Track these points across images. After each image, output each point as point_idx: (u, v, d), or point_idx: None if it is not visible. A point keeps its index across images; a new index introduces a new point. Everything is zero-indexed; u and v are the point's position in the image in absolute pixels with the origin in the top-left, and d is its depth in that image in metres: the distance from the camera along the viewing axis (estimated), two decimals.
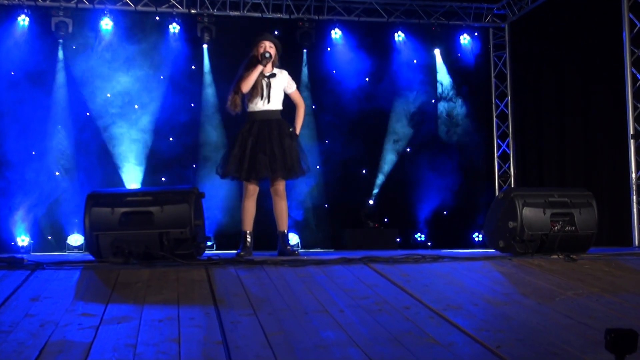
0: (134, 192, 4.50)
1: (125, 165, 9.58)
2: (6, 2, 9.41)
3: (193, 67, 10.16)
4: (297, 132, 5.45)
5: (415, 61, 10.76)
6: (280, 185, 5.35)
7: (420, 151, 10.65)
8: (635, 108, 8.18)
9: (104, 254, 4.24)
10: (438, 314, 2.96)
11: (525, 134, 10.83)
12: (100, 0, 9.75)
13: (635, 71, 8.14)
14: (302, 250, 8.52)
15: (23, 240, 9.03)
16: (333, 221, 10.31)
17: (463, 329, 2.75)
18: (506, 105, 11.11)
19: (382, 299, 3.18)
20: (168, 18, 10.01)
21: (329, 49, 10.53)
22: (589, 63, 9.09)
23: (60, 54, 9.65)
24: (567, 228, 4.84)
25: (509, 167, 11.11)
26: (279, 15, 10.32)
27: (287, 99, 5.55)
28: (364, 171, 10.64)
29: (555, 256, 4.52)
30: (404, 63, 10.67)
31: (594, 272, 3.99)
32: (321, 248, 9.78)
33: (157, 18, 10.06)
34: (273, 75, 5.38)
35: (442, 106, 10.85)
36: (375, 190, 10.57)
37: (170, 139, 9.75)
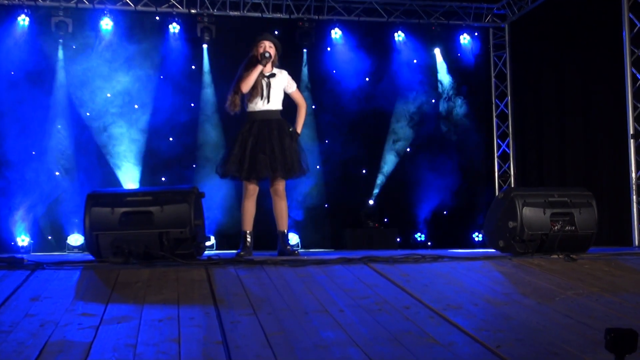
0: (133, 192, 4.50)
1: (125, 165, 9.58)
2: (6, 2, 9.41)
3: (193, 67, 10.16)
4: (299, 131, 5.45)
5: (415, 61, 10.76)
6: (280, 185, 5.35)
7: (420, 151, 10.65)
8: (635, 108, 8.18)
9: (104, 253, 4.24)
10: (438, 314, 2.96)
11: (525, 133, 10.83)
12: (100, 0, 9.75)
13: (635, 71, 8.14)
14: (302, 250, 8.52)
15: (23, 240, 9.03)
16: (333, 221, 10.31)
17: (463, 329, 2.75)
18: (506, 105, 11.11)
19: (382, 299, 3.18)
20: (168, 18, 10.01)
21: (328, 48, 10.53)
22: (589, 63, 9.08)
23: (60, 53, 9.64)
24: (567, 228, 4.84)
25: (509, 167, 11.11)
26: (278, 15, 10.32)
27: (287, 99, 5.55)
28: (364, 171, 10.64)
29: (555, 256, 4.52)
30: (404, 63, 10.67)
31: (594, 272, 3.99)
32: (321, 248, 9.78)
33: (157, 18, 10.06)
34: (273, 75, 5.38)
35: (442, 106, 10.85)
36: (376, 190, 10.57)
37: (170, 138, 9.75)
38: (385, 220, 10.51)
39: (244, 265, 3.86)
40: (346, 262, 4.00)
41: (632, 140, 8.15)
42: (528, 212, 4.77)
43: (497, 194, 9.28)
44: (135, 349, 2.42)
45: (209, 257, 4.20)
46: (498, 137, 11.29)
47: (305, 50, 10.49)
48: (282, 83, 5.44)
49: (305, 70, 10.49)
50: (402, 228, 10.35)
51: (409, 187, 10.51)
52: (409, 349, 2.48)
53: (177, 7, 10.02)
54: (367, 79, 10.46)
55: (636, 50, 8.12)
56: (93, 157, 9.49)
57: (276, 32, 9.91)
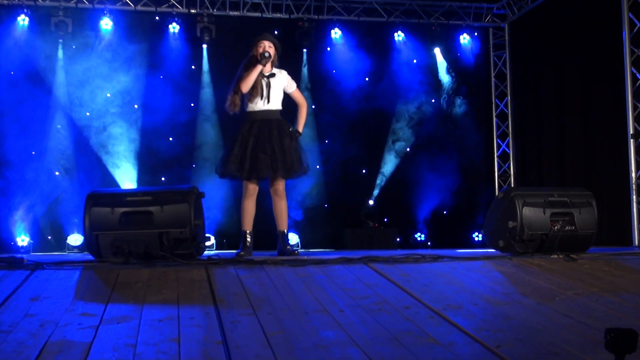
0: (133, 192, 4.49)
1: (125, 164, 9.58)
2: (6, 2, 9.41)
3: (193, 67, 10.17)
4: (300, 130, 5.46)
5: (415, 61, 10.76)
6: (280, 185, 5.35)
7: (420, 151, 10.66)
8: (635, 108, 8.18)
9: (103, 253, 4.23)
10: (438, 314, 2.96)
11: (525, 133, 10.83)
12: (100, 0, 9.75)
13: (635, 71, 8.14)
14: (302, 250, 8.52)
15: (23, 240, 9.03)
16: (333, 221, 10.31)
17: (463, 329, 2.75)
18: (506, 105, 11.11)
19: (382, 299, 3.18)
20: (168, 18, 10.01)
21: (328, 48, 10.54)
22: (588, 63, 9.09)
23: (60, 53, 9.65)
24: (567, 228, 4.83)
25: (508, 167, 11.11)
26: (278, 15, 10.32)
27: (287, 99, 5.55)
28: (364, 171, 10.64)
29: (555, 256, 4.52)
30: (404, 63, 10.68)
31: (594, 272, 3.99)
32: (321, 248, 9.78)
33: (157, 18, 10.06)
34: (272, 75, 5.38)
35: (442, 106, 10.85)
36: (375, 190, 10.58)
37: (170, 138, 9.75)
38: (385, 220, 10.51)
39: (244, 265, 3.86)
40: (346, 262, 4.00)
41: (632, 140, 8.15)
42: (528, 212, 4.77)
43: (497, 193, 9.28)
44: (135, 348, 2.42)
45: (209, 257, 4.20)
46: (498, 137, 11.29)
47: (305, 50, 10.49)
48: (281, 83, 5.43)
49: (305, 70, 10.49)
50: (402, 228, 10.36)
51: (409, 187, 10.52)
52: (409, 349, 2.48)
53: (177, 7, 10.02)
54: (367, 79, 10.46)
55: (636, 50, 8.12)
56: (93, 157, 9.50)
57: (276, 32, 9.92)
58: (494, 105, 11.30)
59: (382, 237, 9.86)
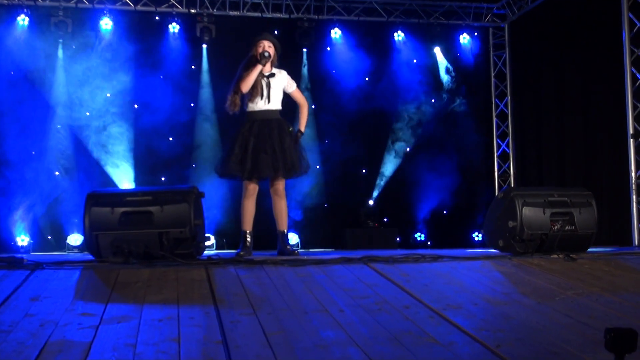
0: (133, 192, 4.49)
1: (125, 164, 9.58)
2: (6, 2, 9.41)
3: (193, 66, 10.17)
4: (302, 129, 5.46)
5: (415, 61, 10.76)
6: (280, 185, 5.35)
7: (419, 151, 10.66)
8: (635, 107, 8.18)
9: (103, 253, 4.23)
10: (438, 314, 2.96)
11: (525, 133, 10.83)
12: (99, 0, 9.75)
13: (634, 70, 8.13)
14: (301, 250, 8.52)
15: (23, 240, 9.03)
16: (333, 221, 10.30)
17: (463, 329, 2.75)
18: (506, 105, 11.11)
19: (381, 299, 3.18)
20: (168, 18, 10.01)
21: (328, 48, 10.53)
22: (588, 62, 9.09)
23: (60, 53, 9.65)
24: (566, 227, 4.84)
25: (508, 167, 11.11)
26: (278, 15, 10.32)
27: (286, 99, 5.55)
28: (363, 171, 10.64)
29: (555, 256, 4.52)
30: (404, 63, 10.68)
31: (594, 272, 3.99)
32: (321, 248, 9.78)
33: (157, 18, 10.06)
34: (272, 75, 5.38)
35: (441, 106, 10.85)
36: (375, 190, 10.58)
37: (170, 138, 9.76)
38: (385, 220, 10.51)
39: (244, 265, 3.86)
40: (346, 261, 4.00)
41: (631, 140, 8.15)
42: (528, 212, 4.77)
43: (496, 193, 9.29)
44: (135, 348, 2.42)
45: (209, 257, 4.20)
46: (498, 136, 11.29)
47: (305, 50, 10.49)
48: (281, 83, 5.43)
49: (305, 70, 10.49)
50: (402, 228, 10.36)
51: (408, 187, 10.52)
52: (409, 349, 2.48)
53: (177, 7, 10.02)
54: (366, 79, 10.46)
55: (636, 50, 8.11)
56: (93, 156, 9.50)
57: (276, 32, 9.92)
58: (493, 105, 11.30)
59: (382, 237, 9.85)
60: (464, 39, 10.93)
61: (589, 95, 9.19)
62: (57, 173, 9.41)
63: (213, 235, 9.34)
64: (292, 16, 10.32)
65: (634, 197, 8.07)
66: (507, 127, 11.11)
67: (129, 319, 2.76)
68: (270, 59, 5.33)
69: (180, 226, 4.20)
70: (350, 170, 10.35)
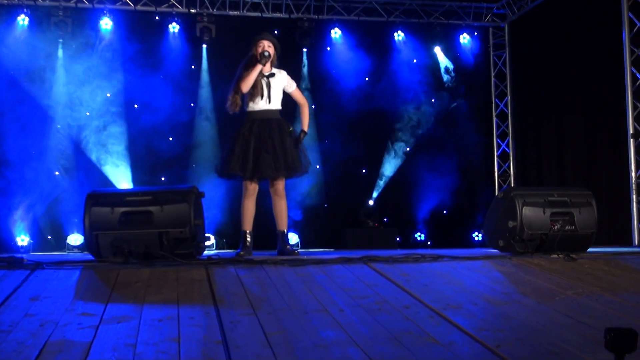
0: (133, 192, 4.49)
1: (125, 164, 9.58)
2: (6, 2, 9.41)
3: (193, 66, 10.17)
4: (306, 129, 5.47)
5: (415, 61, 10.76)
6: (280, 185, 5.35)
7: (419, 151, 10.66)
8: (635, 107, 8.18)
9: (103, 253, 4.23)
10: (438, 314, 2.96)
11: (525, 133, 10.84)
12: (99, 0, 9.75)
13: (635, 70, 8.14)
14: (301, 250, 8.52)
15: (23, 239, 9.03)
16: (333, 221, 10.31)
17: (463, 329, 2.75)
18: (506, 105, 11.11)
19: (381, 299, 3.18)
20: (167, 17, 10.02)
21: (328, 48, 10.54)
22: (588, 62, 9.09)
23: (60, 53, 9.65)
24: (566, 227, 4.83)
25: (508, 167, 11.11)
26: (278, 14, 10.33)
27: (286, 99, 5.54)
28: (363, 171, 10.64)
29: (555, 255, 4.52)
30: (404, 62, 10.68)
31: (594, 272, 3.99)
32: (321, 248, 9.78)
33: (157, 18, 10.07)
34: (272, 74, 5.38)
35: (441, 105, 10.85)
36: (375, 190, 10.58)
37: (170, 138, 9.76)
38: (385, 219, 10.51)
39: (244, 265, 3.86)
40: (346, 261, 4.00)
41: (631, 140, 8.15)
42: (528, 212, 4.77)
43: (496, 193, 9.29)
44: (135, 348, 2.42)
45: (209, 257, 4.20)
46: (498, 136, 11.29)
47: (304, 49, 10.50)
48: (281, 82, 5.43)
49: (305, 70, 10.49)
50: (402, 228, 10.36)
51: (408, 187, 10.52)
52: (409, 349, 2.48)
53: (177, 7, 10.02)
54: (366, 79, 10.47)
55: (636, 50, 8.11)
56: (93, 156, 9.50)
57: (276, 32, 9.92)
58: (493, 105, 11.30)
59: (382, 237, 9.86)
60: (464, 38, 10.93)
61: (589, 95, 9.19)
62: (57, 173, 9.41)
63: (213, 235, 9.34)
64: (292, 16, 10.32)
65: (634, 196, 8.07)
66: (507, 127, 11.11)
67: (129, 319, 2.76)
68: (270, 59, 5.33)
69: (180, 226, 4.20)
70: (350, 170, 10.35)
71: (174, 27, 9.94)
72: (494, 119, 11.29)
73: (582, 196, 5.04)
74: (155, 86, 9.62)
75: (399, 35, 10.66)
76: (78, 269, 3.65)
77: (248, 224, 5.32)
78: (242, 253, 5.12)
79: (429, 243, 10.50)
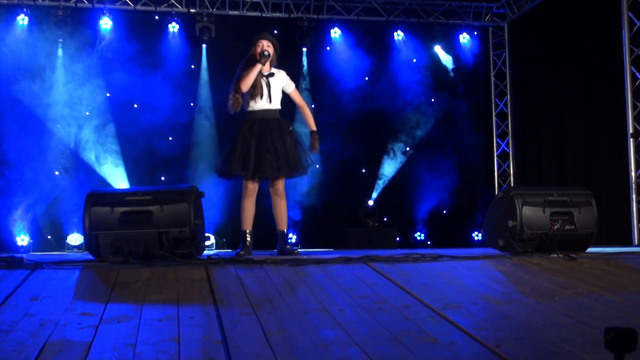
0: (133, 192, 4.49)
1: (125, 164, 9.58)
2: (6, 1, 9.41)
3: (192, 66, 10.17)
4: (314, 128, 5.49)
5: (414, 60, 10.76)
6: (280, 185, 5.35)
7: (419, 150, 10.66)
8: (634, 107, 8.18)
9: (103, 253, 4.23)
10: (438, 313, 2.96)
11: (524, 133, 10.84)
12: (99, 0, 9.75)
13: (634, 70, 8.14)
14: (301, 250, 8.51)
15: (22, 239, 9.03)
16: (333, 221, 10.31)
17: (463, 328, 2.75)
18: (505, 105, 11.11)
19: (381, 298, 3.18)
20: (167, 17, 10.02)
21: (328, 48, 10.54)
22: (588, 62, 9.09)
23: (60, 52, 9.65)
24: (566, 227, 4.83)
25: (508, 166, 11.11)
26: (278, 14, 10.33)
27: (286, 99, 5.54)
28: (363, 171, 10.64)
29: (555, 255, 4.52)
30: (404, 62, 10.68)
31: (594, 271, 3.99)
32: (321, 248, 9.78)
33: (157, 17, 10.07)
34: (272, 74, 5.38)
35: (441, 105, 10.85)
36: (375, 190, 10.58)
37: (170, 138, 9.76)
38: (385, 219, 10.51)
39: (244, 264, 3.86)
40: (346, 261, 4.00)
41: (631, 139, 8.16)
42: (528, 211, 4.77)
43: (496, 193, 9.28)
44: (135, 348, 2.42)
45: (209, 257, 4.20)
46: (497, 136, 11.29)
47: (304, 49, 10.49)
48: (281, 82, 5.43)
49: (304, 69, 10.49)
50: (402, 227, 10.36)
51: (408, 187, 10.52)
52: (409, 348, 2.48)
53: (177, 7, 10.02)
54: (366, 78, 10.47)
55: (635, 49, 8.12)
56: (92, 156, 9.50)
57: (275, 32, 9.93)
58: (493, 105, 11.30)
59: (382, 237, 9.86)
60: (464, 38, 10.93)
61: (589, 95, 9.19)
62: (56, 172, 9.41)
63: (213, 234, 9.34)
64: (291, 16, 10.32)
65: (634, 196, 8.07)
66: (506, 126, 11.11)
67: (128, 319, 2.75)
68: (270, 59, 5.33)
69: (180, 226, 4.20)
70: (350, 170, 10.35)
71: (173, 27, 9.94)
72: (494, 118, 11.29)
73: (582, 196, 5.04)
74: (155, 86, 9.62)
75: (398, 35, 10.66)
76: (78, 268, 3.65)
77: (248, 223, 5.31)
78: (242, 253, 5.12)
79: (428, 243, 10.50)
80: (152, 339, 2.51)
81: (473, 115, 10.93)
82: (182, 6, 10.04)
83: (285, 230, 5.40)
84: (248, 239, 5.29)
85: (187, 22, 10.09)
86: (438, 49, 10.90)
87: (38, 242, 9.17)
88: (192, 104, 10.04)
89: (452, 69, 10.91)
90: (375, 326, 2.75)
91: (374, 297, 3.19)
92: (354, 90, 10.31)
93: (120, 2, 9.83)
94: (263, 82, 5.31)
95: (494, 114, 11.30)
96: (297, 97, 5.57)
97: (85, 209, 4.29)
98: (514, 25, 10.99)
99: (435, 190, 10.37)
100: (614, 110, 8.63)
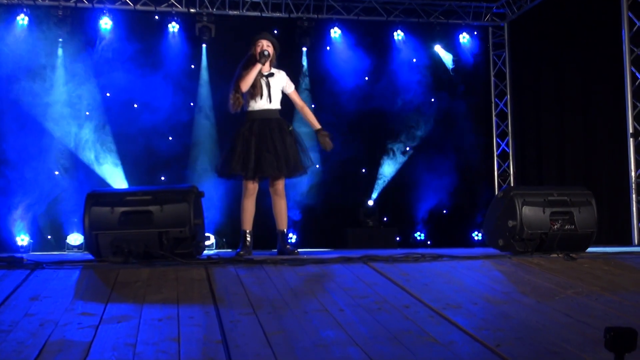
0: (133, 192, 4.49)
1: (125, 164, 9.58)
2: (6, 1, 9.41)
3: (192, 66, 10.17)
4: (319, 127, 5.50)
5: (414, 60, 10.76)
6: (280, 184, 5.35)
7: (419, 150, 10.66)
8: (634, 107, 8.18)
9: (103, 253, 4.23)
10: (438, 313, 2.96)
11: (524, 132, 10.84)
12: (99, 0, 9.75)
13: (634, 70, 8.14)
14: (301, 250, 8.51)
15: (23, 239, 9.03)
16: (333, 221, 10.30)
17: (463, 328, 2.75)
18: (505, 104, 11.11)
19: (381, 298, 3.18)
20: (167, 17, 10.02)
21: (328, 48, 10.54)
22: (588, 62, 9.09)
23: (60, 52, 9.66)
24: (566, 227, 4.83)
25: (508, 166, 11.11)
26: (278, 14, 10.33)
27: (285, 98, 5.54)
28: (363, 170, 10.64)
29: (555, 255, 4.52)
30: (404, 62, 10.68)
31: (594, 271, 3.99)
32: (321, 248, 9.78)
33: (156, 17, 10.07)
34: (271, 74, 5.38)
35: (441, 105, 10.85)
36: (375, 190, 10.58)
37: (170, 138, 9.76)
38: (385, 219, 10.51)
39: (244, 264, 3.86)
40: (346, 261, 4.00)
41: (631, 139, 8.16)
42: (527, 211, 4.77)
43: (496, 193, 9.28)
44: (135, 348, 2.42)
45: (209, 257, 4.20)
46: (497, 136, 11.29)
47: (304, 49, 10.49)
48: (280, 82, 5.43)
49: (304, 69, 10.49)
50: (402, 227, 10.36)
51: (408, 187, 10.52)
52: (409, 348, 2.48)
53: (177, 7, 10.02)
54: (366, 78, 10.47)
55: (635, 49, 8.12)
56: (92, 156, 9.50)
57: (275, 31, 9.93)
58: (493, 105, 11.30)
59: (382, 237, 9.86)
60: (464, 38, 10.93)
61: (588, 95, 9.19)
62: (56, 172, 9.41)
63: (213, 234, 9.34)
64: (291, 15, 10.32)
65: (634, 196, 8.07)
66: (506, 126, 11.11)
67: (128, 319, 2.75)
68: (269, 58, 5.33)
69: (180, 226, 4.20)
70: (350, 170, 10.34)
71: (173, 27, 9.94)
72: (494, 118, 11.29)
73: (581, 195, 5.04)
74: (154, 86, 9.62)
75: (398, 35, 10.66)
76: (78, 268, 3.65)
77: (248, 223, 5.31)
78: (242, 253, 5.12)
79: (428, 242, 10.50)
80: (152, 339, 2.51)
81: (473, 115, 10.93)
82: (182, 6, 10.04)
83: (285, 230, 5.40)
84: (248, 238, 5.29)
85: (187, 22, 10.09)
86: (438, 48, 10.90)
87: (38, 242, 9.17)
88: (192, 104, 10.04)
89: (452, 69, 10.90)
90: (375, 326, 2.75)
91: (374, 297, 3.19)
92: (353, 90, 10.31)
93: (120, 2, 9.83)
94: (263, 82, 5.31)
95: (493, 113, 11.30)
96: (296, 98, 5.57)
97: (85, 209, 4.29)
98: (513, 25, 10.99)
99: (435, 190, 10.37)
100: (613, 110, 8.63)
